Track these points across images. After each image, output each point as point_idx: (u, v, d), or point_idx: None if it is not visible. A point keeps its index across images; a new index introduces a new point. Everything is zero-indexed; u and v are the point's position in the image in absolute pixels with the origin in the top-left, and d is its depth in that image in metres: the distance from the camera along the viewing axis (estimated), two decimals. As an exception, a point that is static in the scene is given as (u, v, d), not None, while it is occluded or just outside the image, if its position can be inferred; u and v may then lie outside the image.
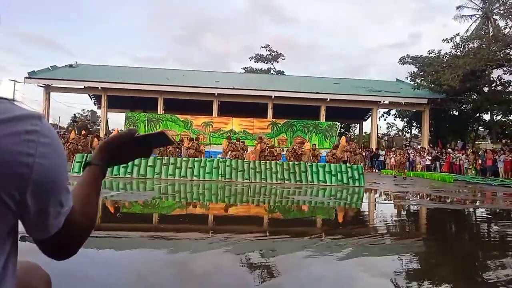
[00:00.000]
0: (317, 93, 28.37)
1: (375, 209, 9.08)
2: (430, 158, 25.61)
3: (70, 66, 32.94)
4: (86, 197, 0.96)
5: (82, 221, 0.92)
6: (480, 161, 23.00)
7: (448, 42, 27.78)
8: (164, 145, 1.13)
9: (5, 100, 0.77)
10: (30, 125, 0.76)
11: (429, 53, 29.35)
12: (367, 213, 8.75)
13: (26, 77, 27.14)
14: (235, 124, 26.36)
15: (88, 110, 61.53)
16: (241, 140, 18.18)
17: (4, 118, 0.73)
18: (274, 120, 27.23)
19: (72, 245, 0.93)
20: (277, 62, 51.57)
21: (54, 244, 0.90)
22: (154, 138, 1.09)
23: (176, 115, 26.64)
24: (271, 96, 28.11)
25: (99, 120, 32.64)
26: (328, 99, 28.26)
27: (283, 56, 51.24)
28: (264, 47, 50.88)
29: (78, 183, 1.01)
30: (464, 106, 31.76)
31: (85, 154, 14.52)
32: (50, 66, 30.33)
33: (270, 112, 28.54)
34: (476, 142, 37.25)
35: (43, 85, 27.82)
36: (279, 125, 26.54)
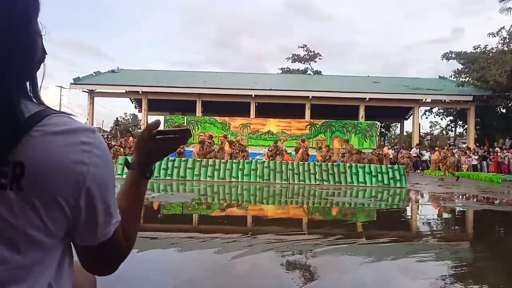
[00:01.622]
0: (356, 92, 27.87)
1: (418, 211, 8.80)
2: (476, 157, 24.57)
3: (112, 71, 33.99)
4: (128, 211, 0.99)
5: (123, 240, 0.96)
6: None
7: (494, 36, 26.56)
8: (183, 143, 1.10)
9: (64, 114, 0.86)
10: (85, 137, 0.83)
11: (474, 49, 28.19)
12: (409, 215, 8.49)
13: (71, 83, 28.23)
14: (273, 125, 26.32)
15: (129, 114, 63.55)
16: (278, 142, 18.20)
17: (64, 129, 0.81)
18: (312, 120, 26.97)
19: (115, 259, 0.97)
20: (315, 62, 51.08)
21: (98, 255, 0.93)
22: (176, 134, 1.07)
23: (214, 117, 26.91)
24: (309, 97, 27.88)
25: (140, 123, 33.53)
26: (367, 98, 27.70)
27: (320, 55, 50.68)
28: (301, 47, 50.51)
29: (120, 192, 1.03)
30: (513, 102, 30.28)
31: (126, 157, 14.89)
32: (94, 72, 31.41)
33: (307, 113, 28.30)
34: (526, 140, 35.44)
35: (87, 91, 28.86)
36: (317, 126, 26.25)
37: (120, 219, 0.93)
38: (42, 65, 0.91)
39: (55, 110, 0.85)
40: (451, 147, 26.91)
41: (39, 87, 0.90)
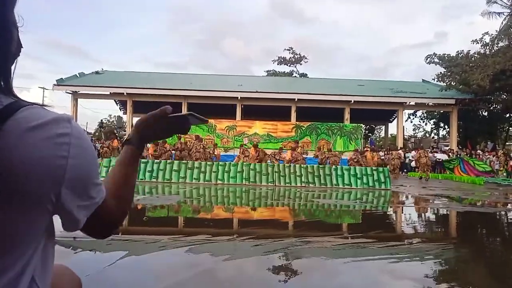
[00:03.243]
0: (341, 95, 28.09)
1: (403, 212, 8.88)
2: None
3: (97, 72, 33.63)
4: (120, 178, 1.01)
5: (114, 206, 0.96)
6: (511, 163, 22.28)
7: (478, 42, 27.22)
8: (198, 123, 1.15)
9: (36, 106, 0.81)
10: (61, 128, 0.79)
11: (458, 53, 28.72)
12: (394, 216, 8.57)
13: (54, 84, 27.84)
14: (259, 127, 26.34)
15: (114, 116, 62.94)
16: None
17: (37, 124, 0.76)
18: (297, 123, 27.08)
19: (107, 226, 0.98)
20: (300, 64, 51.36)
21: (92, 228, 0.95)
22: (185, 119, 1.11)
23: (199, 119, 26.80)
24: (295, 99, 28.00)
25: (125, 125, 33.22)
26: (352, 101, 27.95)
27: (306, 58, 50.99)
28: (287, 49, 50.80)
29: (115, 165, 1.05)
30: (494, 106, 30.89)
31: (110, 159, 14.72)
32: (78, 73, 31.02)
33: (293, 115, 28.42)
34: (507, 143, 36.18)
35: (70, 92, 28.49)
36: (303, 128, 26.38)
37: (103, 196, 0.92)
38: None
39: (27, 102, 0.81)
40: (434, 150, 27.29)
41: (11, 80, 0.85)
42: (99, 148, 19.34)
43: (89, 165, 0.85)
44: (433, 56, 30.62)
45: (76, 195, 0.83)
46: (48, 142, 0.76)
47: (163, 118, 1.10)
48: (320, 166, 14.68)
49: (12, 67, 0.86)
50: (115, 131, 39.82)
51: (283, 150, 17.56)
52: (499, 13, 30.67)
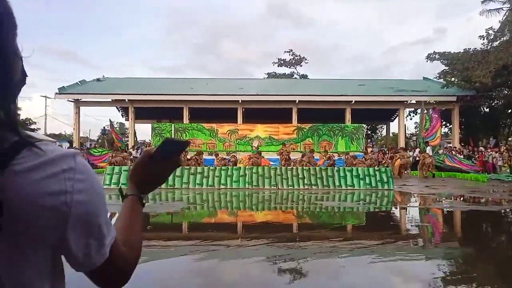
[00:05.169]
0: (342, 95, 28.08)
1: (407, 213, 8.87)
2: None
3: (98, 80, 33.74)
4: (127, 228, 0.99)
5: (125, 251, 0.93)
6: (515, 158, 22.18)
7: (484, 38, 27.15)
8: (181, 148, 1.11)
9: (42, 142, 0.80)
10: (66, 164, 0.78)
11: (464, 51, 28.63)
12: (398, 217, 8.56)
13: (56, 93, 27.99)
14: (260, 130, 26.34)
15: (116, 123, 62.91)
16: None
17: (42, 161, 0.75)
18: (299, 124, 27.07)
19: (120, 274, 0.94)
20: (300, 66, 51.40)
21: (103, 275, 0.91)
22: (166, 147, 1.06)
23: (201, 124, 26.83)
24: (295, 101, 27.99)
25: (127, 132, 33.32)
26: (353, 101, 27.92)
27: (306, 59, 51.00)
28: (287, 51, 50.82)
29: (118, 217, 1.03)
30: (496, 102, 30.79)
31: (114, 167, 14.79)
32: (79, 81, 31.15)
33: (295, 117, 28.40)
34: (510, 139, 36.03)
35: (72, 100, 28.59)
36: (305, 130, 26.36)
37: (114, 235, 0.89)
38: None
39: (31, 140, 0.79)
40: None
41: (13, 114, 0.81)
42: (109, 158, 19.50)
43: (95, 202, 0.83)
44: (433, 55, 30.54)
45: (85, 233, 0.81)
46: (52, 178, 0.75)
47: (149, 159, 1.07)
48: (323, 168, 14.68)
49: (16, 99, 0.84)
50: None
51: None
52: (498, 9, 30.56)
